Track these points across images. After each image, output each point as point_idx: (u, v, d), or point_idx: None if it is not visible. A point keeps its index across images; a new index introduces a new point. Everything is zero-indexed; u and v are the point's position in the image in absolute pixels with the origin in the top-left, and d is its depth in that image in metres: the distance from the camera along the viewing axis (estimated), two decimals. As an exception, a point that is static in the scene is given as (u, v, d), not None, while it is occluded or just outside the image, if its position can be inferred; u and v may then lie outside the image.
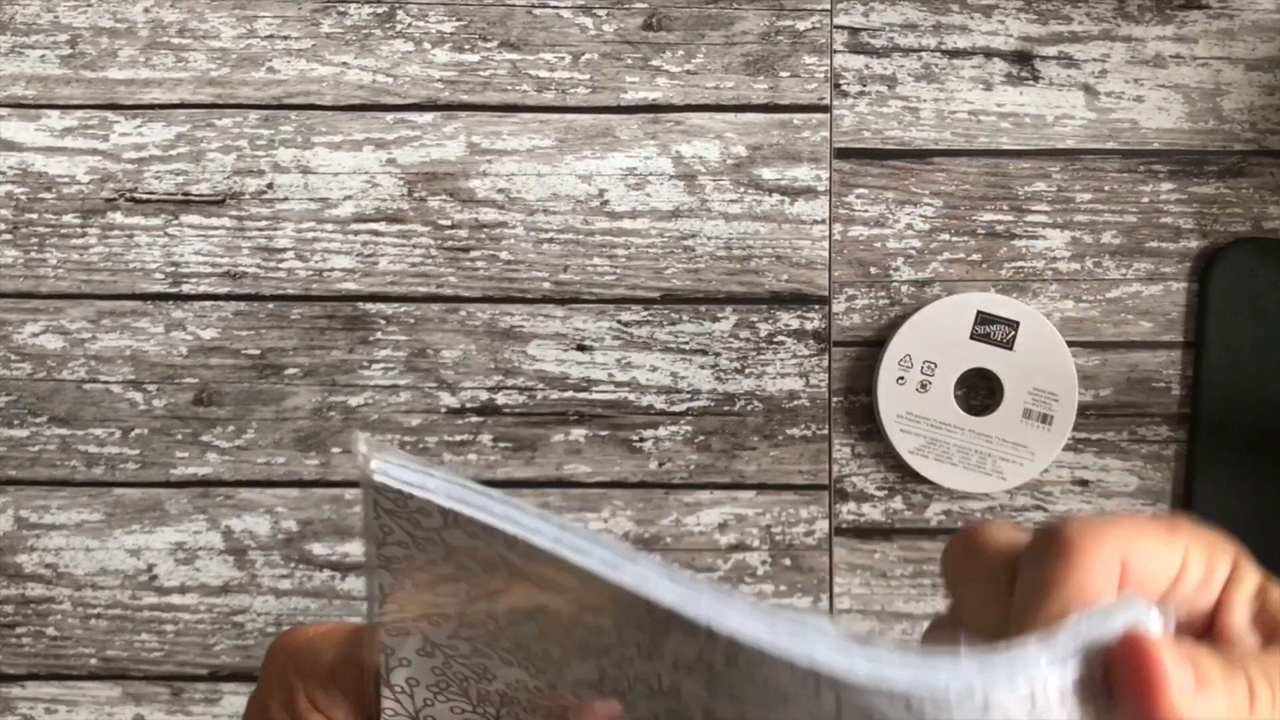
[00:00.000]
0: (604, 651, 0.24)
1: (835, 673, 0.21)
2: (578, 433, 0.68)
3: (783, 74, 0.67)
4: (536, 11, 0.67)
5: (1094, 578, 0.24)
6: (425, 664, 0.26)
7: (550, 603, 0.24)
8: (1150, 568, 0.25)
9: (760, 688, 0.22)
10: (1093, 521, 0.25)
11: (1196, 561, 0.25)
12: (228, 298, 0.67)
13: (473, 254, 0.67)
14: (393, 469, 0.24)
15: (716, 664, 0.22)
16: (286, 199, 0.67)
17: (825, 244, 0.67)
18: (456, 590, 0.25)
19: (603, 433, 0.68)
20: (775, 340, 0.67)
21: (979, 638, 0.25)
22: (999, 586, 0.26)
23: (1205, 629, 0.25)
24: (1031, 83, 0.68)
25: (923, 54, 0.68)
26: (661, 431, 0.68)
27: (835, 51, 0.67)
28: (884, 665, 0.21)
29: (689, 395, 0.68)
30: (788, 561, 0.68)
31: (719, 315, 0.67)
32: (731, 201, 0.67)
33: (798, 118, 0.67)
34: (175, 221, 0.67)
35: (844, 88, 0.67)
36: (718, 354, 0.67)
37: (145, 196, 0.67)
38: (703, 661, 0.23)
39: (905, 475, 0.68)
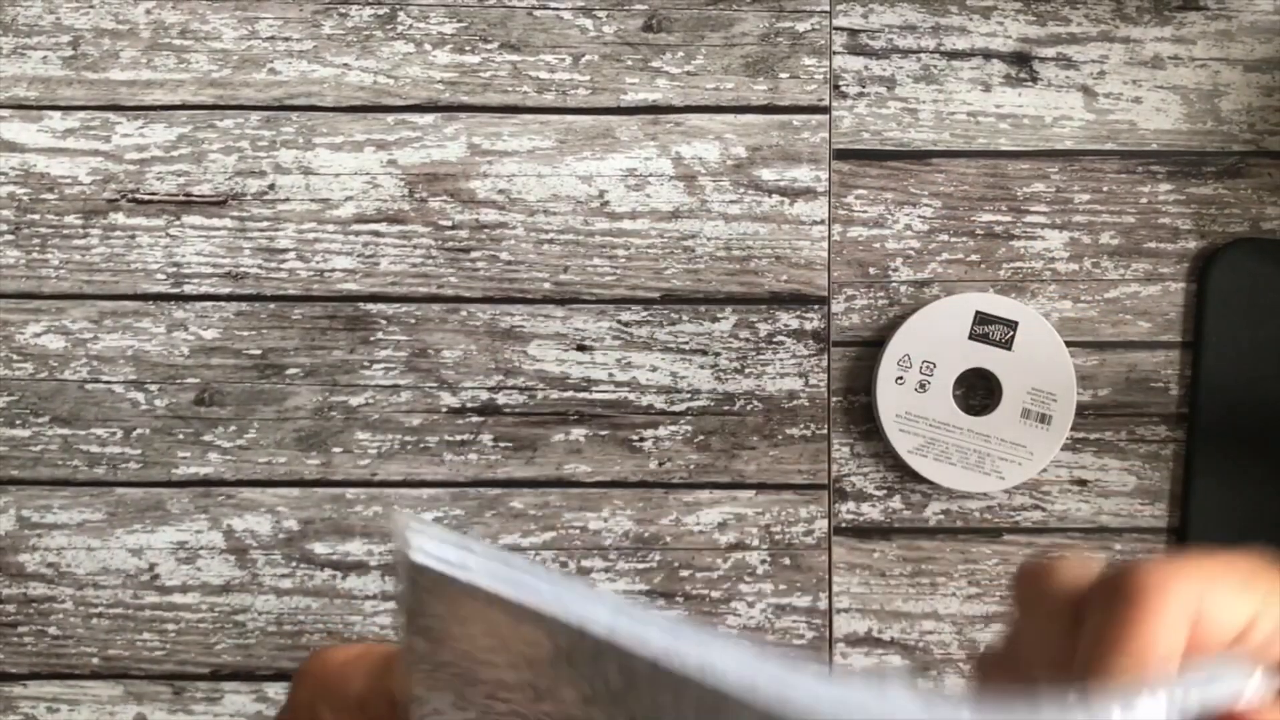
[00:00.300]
0: (654, 717, 0.24)
1: None
2: (578, 432, 0.68)
3: (782, 75, 0.67)
4: (537, 13, 0.67)
5: (1164, 631, 0.23)
6: (459, 716, 0.26)
7: (600, 670, 0.23)
8: (1222, 618, 0.24)
9: None
10: (1167, 568, 0.24)
11: (1273, 611, 0.24)
12: (229, 298, 0.68)
13: (473, 254, 0.68)
14: (433, 549, 0.23)
15: None
16: (288, 200, 0.67)
17: (824, 244, 0.68)
18: (495, 659, 0.24)
19: (603, 432, 0.68)
20: (775, 340, 0.68)
21: (1034, 672, 0.25)
22: (1062, 623, 0.25)
23: None
24: (1030, 84, 0.68)
25: (921, 55, 0.68)
26: (661, 431, 0.68)
27: (834, 53, 0.68)
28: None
29: (689, 395, 0.68)
30: (787, 561, 0.68)
31: (719, 315, 0.68)
32: (731, 202, 0.67)
33: (797, 119, 0.67)
34: (177, 222, 0.67)
35: (843, 89, 0.68)
36: (717, 354, 0.68)
37: (147, 197, 0.67)
38: None
39: (904, 475, 0.68)
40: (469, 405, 0.68)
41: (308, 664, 0.30)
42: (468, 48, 0.67)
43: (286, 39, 0.67)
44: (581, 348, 0.68)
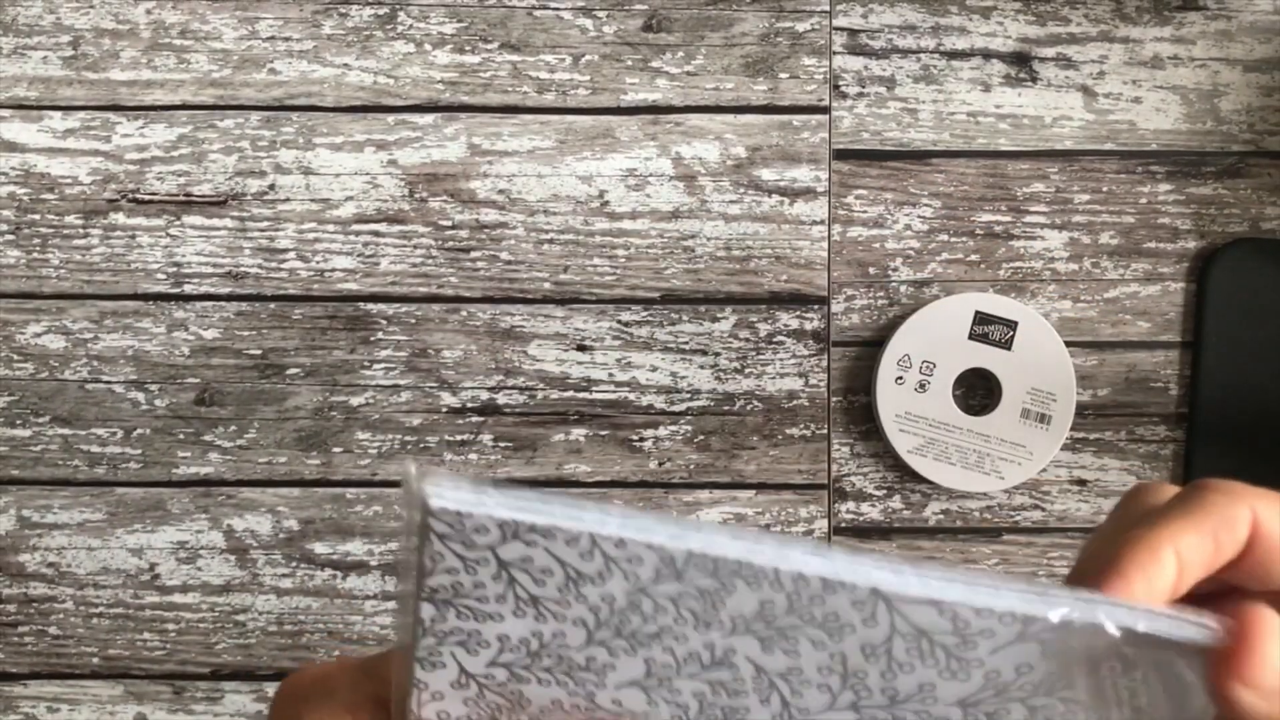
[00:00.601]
0: (655, 637, 0.25)
1: (892, 590, 0.23)
2: (578, 432, 0.68)
3: (782, 75, 0.67)
4: (537, 13, 0.67)
5: (1209, 527, 0.25)
6: (458, 695, 0.27)
7: (606, 593, 0.24)
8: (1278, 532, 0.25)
9: (816, 627, 0.24)
10: (1233, 484, 0.26)
11: None
12: (229, 298, 0.68)
13: (473, 254, 0.68)
14: (448, 491, 0.24)
15: (777, 612, 0.24)
16: (288, 200, 0.67)
17: (824, 244, 0.68)
18: (503, 608, 0.25)
19: (603, 432, 0.68)
20: (775, 340, 0.68)
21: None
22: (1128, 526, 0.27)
23: None
24: (1030, 84, 0.68)
25: (921, 55, 0.68)
26: (661, 431, 0.68)
27: (834, 53, 0.68)
28: (933, 582, 0.23)
29: (689, 395, 0.68)
30: (787, 561, 0.68)
31: (719, 315, 0.68)
32: (731, 202, 0.68)
33: (797, 119, 0.68)
34: (177, 222, 0.67)
35: (843, 89, 0.68)
36: (717, 354, 0.68)
37: (147, 197, 0.67)
38: (762, 614, 0.24)
39: (904, 475, 0.68)
40: (469, 405, 0.68)
41: (283, 686, 0.29)
42: (468, 48, 0.67)
43: (286, 39, 0.67)
44: (581, 348, 0.68)
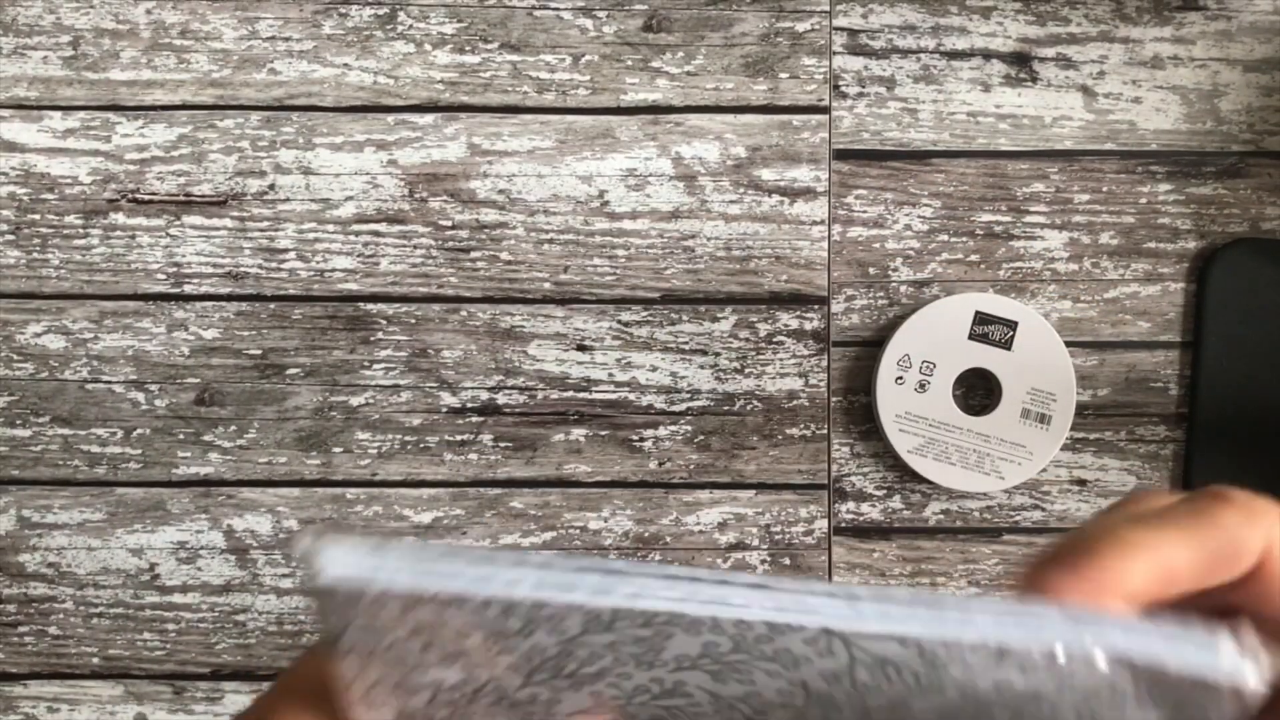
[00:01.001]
0: (598, 676, 0.24)
1: (846, 629, 0.21)
2: (578, 432, 0.68)
3: (782, 75, 0.67)
4: (537, 13, 0.67)
5: (1209, 542, 0.22)
6: None
7: (534, 645, 0.23)
8: None
9: (769, 661, 0.22)
10: (1255, 501, 0.23)
11: None
12: (229, 298, 0.68)
13: (473, 254, 0.68)
14: (343, 560, 0.22)
15: (722, 653, 0.22)
16: (288, 200, 0.67)
17: (824, 244, 0.68)
18: (427, 660, 0.24)
19: (603, 432, 0.68)
20: (775, 340, 0.68)
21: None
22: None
23: None
24: (1030, 84, 0.68)
25: (921, 55, 0.68)
26: (661, 431, 0.68)
27: (834, 53, 0.68)
28: (893, 615, 0.21)
29: (689, 395, 0.68)
30: (787, 560, 0.68)
31: (719, 315, 0.68)
32: (731, 202, 0.68)
33: (797, 119, 0.68)
34: (177, 222, 0.67)
35: (843, 89, 0.68)
36: (717, 354, 0.68)
37: (147, 197, 0.67)
38: (707, 655, 0.23)
39: (904, 475, 0.68)
40: (469, 405, 0.68)
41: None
42: (468, 48, 0.67)
43: (286, 39, 0.67)
44: (581, 348, 0.68)
